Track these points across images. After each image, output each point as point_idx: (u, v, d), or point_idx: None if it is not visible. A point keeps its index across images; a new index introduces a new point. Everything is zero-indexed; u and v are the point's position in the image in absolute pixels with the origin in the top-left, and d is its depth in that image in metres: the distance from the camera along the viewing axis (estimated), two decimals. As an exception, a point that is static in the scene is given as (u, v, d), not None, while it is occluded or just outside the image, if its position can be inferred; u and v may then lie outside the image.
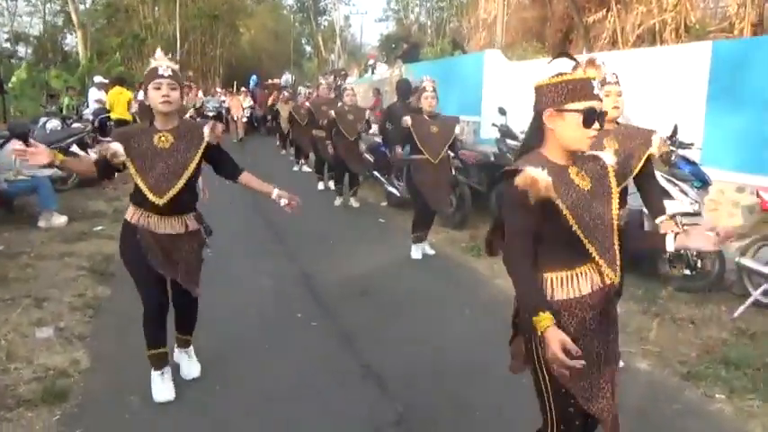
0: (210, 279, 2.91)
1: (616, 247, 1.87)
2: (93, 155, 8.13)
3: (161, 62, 2.76)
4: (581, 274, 1.85)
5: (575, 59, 1.83)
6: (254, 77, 22.52)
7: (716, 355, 3.58)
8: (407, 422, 2.84)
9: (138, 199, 2.83)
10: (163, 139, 2.80)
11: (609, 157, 1.97)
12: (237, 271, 5.05)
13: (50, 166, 2.62)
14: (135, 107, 10.59)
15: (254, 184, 3.06)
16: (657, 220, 3.04)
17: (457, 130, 5.49)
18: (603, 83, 3.04)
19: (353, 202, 8.18)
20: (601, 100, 1.79)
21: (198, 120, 9.05)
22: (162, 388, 2.98)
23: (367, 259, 5.54)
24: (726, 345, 3.74)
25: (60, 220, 6.53)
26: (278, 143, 14.90)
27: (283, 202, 3.06)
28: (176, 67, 2.82)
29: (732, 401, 3.10)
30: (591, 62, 1.82)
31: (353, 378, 3.28)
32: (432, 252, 5.75)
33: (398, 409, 2.94)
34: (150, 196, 2.75)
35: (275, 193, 3.04)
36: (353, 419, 2.86)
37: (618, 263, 1.86)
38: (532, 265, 1.81)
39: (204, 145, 2.85)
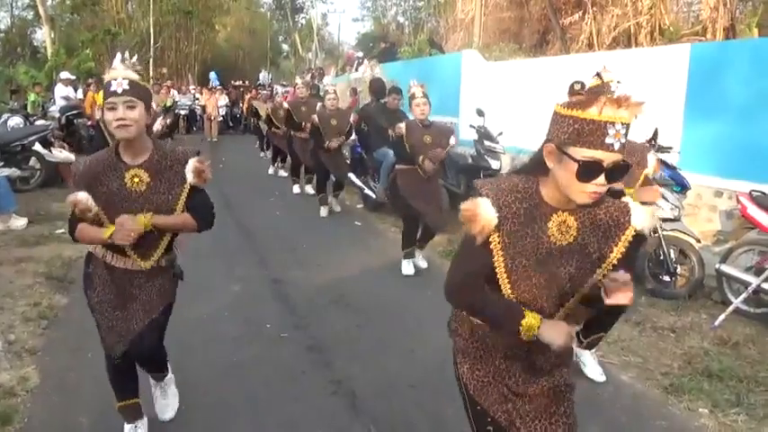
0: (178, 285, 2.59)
1: (561, 309, 1.62)
2: (57, 153, 7.88)
3: (115, 74, 2.19)
4: None
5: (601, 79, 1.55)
6: (213, 74, 21.42)
7: (698, 366, 3.49)
8: (379, 442, 2.68)
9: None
10: (137, 180, 2.26)
11: (642, 218, 1.57)
12: (205, 276, 4.81)
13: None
14: (99, 113, 10.18)
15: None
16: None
17: (452, 141, 5.04)
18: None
19: (335, 206, 7.74)
20: (618, 152, 1.42)
21: (168, 123, 8.55)
22: None
23: (341, 265, 5.36)
24: (708, 355, 3.65)
25: (19, 222, 6.22)
26: (257, 145, 14.00)
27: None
28: (136, 77, 2.22)
29: (716, 416, 3.00)
30: (615, 101, 1.41)
31: (323, 393, 3.10)
32: (424, 265, 5.26)
33: (371, 429, 2.78)
34: (135, 260, 2.31)
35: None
36: (322, 440, 2.69)
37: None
38: (484, 290, 1.63)
39: (188, 189, 2.33)
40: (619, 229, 1.58)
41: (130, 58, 2.36)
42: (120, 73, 2.20)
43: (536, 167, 1.58)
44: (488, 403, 1.72)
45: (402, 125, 4.98)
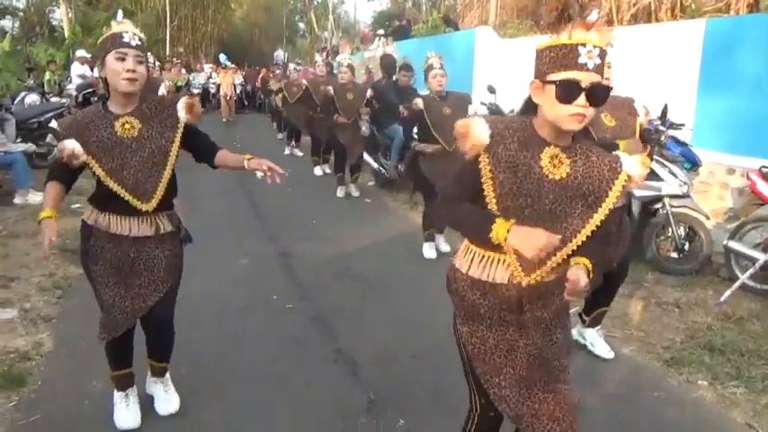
0: (185, 257, 2.59)
1: (552, 259, 1.62)
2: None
3: (126, 27, 2.19)
4: (499, 260, 1.68)
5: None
6: (222, 56, 21.15)
7: (700, 341, 3.50)
8: (378, 408, 2.74)
9: (102, 201, 2.30)
10: (127, 126, 2.24)
11: (632, 165, 1.63)
12: (214, 250, 4.89)
13: None
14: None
15: (228, 162, 2.47)
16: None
17: (470, 110, 4.84)
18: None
19: (354, 191, 7.45)
20: (590, 70, 1.49)
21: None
22: (125, 415, 2.52)
23: (349, 240, 5.41)
24: (711, 330, 3.66)
25: (36, 197, 6.35)
26: (273, 126, 13.75)
27: (259, 175, 2.46)
28: (143, 36, 2.27)
29: (714, 388, 3.02)
30: (583, 24, 1.52)
31: (325, 362, 3.17)
32: (447, 248, 5.03)
33: (370, 395, 2.84)
34: (135, 203, 2.25)
35: (246, 165, 2.42)
36: (323, 405, 2.76)
37: (540, 273, 1.64)
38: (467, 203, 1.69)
39: (182, 127, 2.32)
40: (612, 173, 1.63)
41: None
42: (130, 27, 2.22)
43: (527, 109, 1.67)
44: (486, 368, 1.72)
45: (419, 100, 4.78)
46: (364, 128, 7.05)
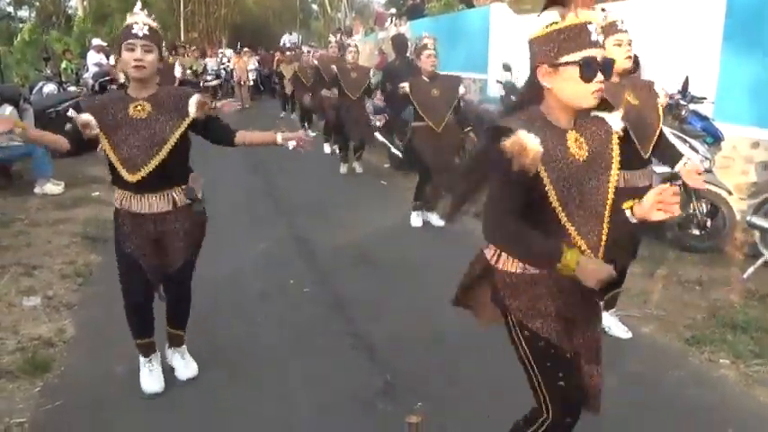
0: (204, 242, 2.74)
1: (604, 228, 1.68)
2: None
3: (137, 18, 2.43)
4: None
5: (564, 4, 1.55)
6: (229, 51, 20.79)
7: (722, 319, 3.44)
8: (395, 391, 2.74)
9: (115, 178, 2.56)
10: (139, 108, 2.48)
11: (616, 121, 1.74)
12: (232, 235, 4.93)
13: (10, 133, 2.39)
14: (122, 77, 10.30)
15: (255, 138, 2.72)
16: (677, 168, 2.88)
17: (461, 90, 5.03)
18: (613, 30, 2.83)
19: (357, 168, 7.74)
20: (602, 47, 1.56)
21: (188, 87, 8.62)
22: (150, 379, 2.75)
23: (366, 224, 5.41)
24: (733, 307, 3.60)
25: (56, 187, 6.44)
26: (282, 112, 13.75)
27: (291, 144, 2.70)
28: (155, 25, 2.48)
29: (737, 367, 2.98)
30: (584, 3, 1.59)
31: (342, 346, 3.18)
32: (441, 224, 5.16)
33: (387, 378, 2.85)
34: (122, 172, 2.47)
35: (280, 137, 2.68)
36: (340, 388, 2.77)
37: (600, 248, 1.68)
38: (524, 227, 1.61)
39: (189, 121, 2.52)
40: (608, 136, 1.71)
41: (143, 12, 2.51)
42: (141, 18, 2.44)
43: (530, 97, 1.67)
44: (568, 349, 1.71)
45: (405, 84, 4.95)
46: (370, 105, 7.32)
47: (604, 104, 1.73)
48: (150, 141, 2.47)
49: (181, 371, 2.85)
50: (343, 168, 7.73)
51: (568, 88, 1.56)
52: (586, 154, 1.65)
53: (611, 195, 1.68)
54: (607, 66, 1.57)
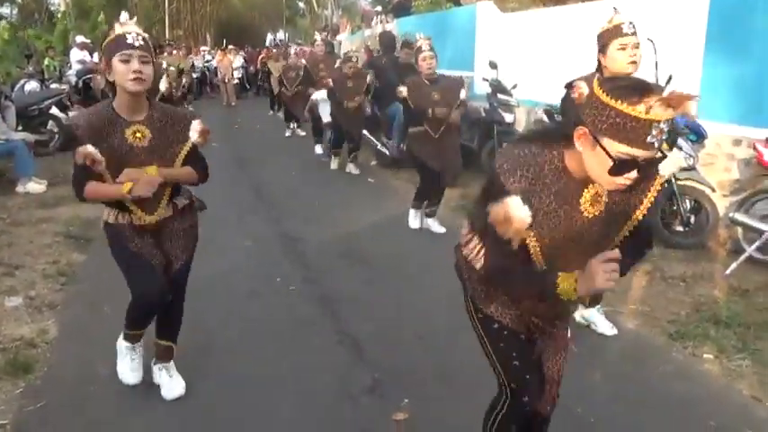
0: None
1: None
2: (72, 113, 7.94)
3: (129, 28, 2.22)
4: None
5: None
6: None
7: (706, 314, 3.48)
8: (382, 388, 2.74)
9: (115, 203, 2.39)
10: (138, 134, 2.30)
11: (669, 163, 1.62)
12: (219, 233, 4.88)
13: None
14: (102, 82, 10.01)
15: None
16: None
17: (462, 94, 4.76)
18: (617, 33, 2.80)
19: (353, 169, 7.51)
20: (653, 149, 1.32)
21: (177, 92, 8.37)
22: (131, 367, 2.69)
23: (352, 221, 5.40)
24: (717, 303, 3.64)
25: (38, 186, 6.35)
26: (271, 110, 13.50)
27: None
28: (147, 36, 2.30)
29: (720, 361, 3.01)
30: (668, 100, 1.28)
31: (330, 344, 3.17)
32: (442, 230, 5.02)
33: (374, 375, 2.84)
34: (139, 214, 2.36)
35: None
36: (328, 386, 2.76)
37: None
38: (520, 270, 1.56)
39: (189, 147, 2.40)
40: (647, 183, 1.53)
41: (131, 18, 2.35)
42: (134, 28, 2.24)
43: (554, 138, 1.50)
44: (520, 338, 1.74)
45: (403, 89, 4.73)
46: (368, 110, 7.11)
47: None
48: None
49: (166, 390, 2.67)
50: (334, 164, 7.68)
51: (594, 167, 1.40)
52: (602, 208, 1.52)
53: (618, 239, 1.58)
54: (650, 165, 1.37)
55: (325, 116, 7.97)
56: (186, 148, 2.41)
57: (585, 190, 1.50)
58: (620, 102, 1.31)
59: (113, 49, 2.21)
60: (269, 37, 20.67)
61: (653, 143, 1.31)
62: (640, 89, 1.31)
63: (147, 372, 2.75)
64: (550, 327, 1.77)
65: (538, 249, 1.53)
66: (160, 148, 2.35)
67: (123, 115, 2.31)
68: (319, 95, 8.12)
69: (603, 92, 1.34)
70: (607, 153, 1.35)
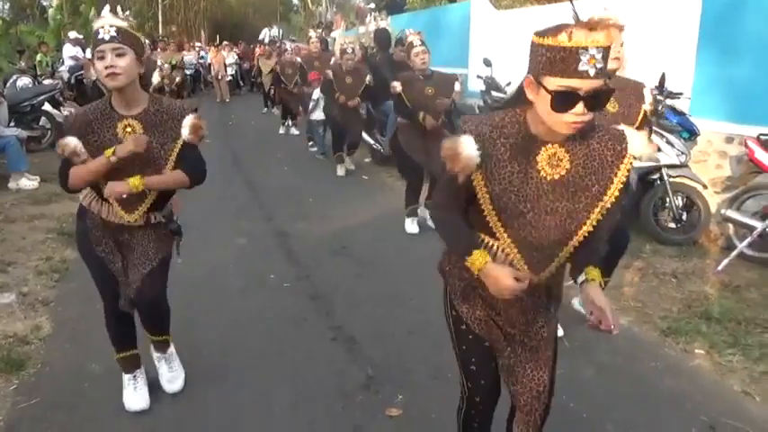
0: (184, 237, 2.58)
1: (562, 252, 1.58)
2: (66, 112, 7.90)
3: (102, 22, 2.14)
4: (498, 248, 1.60)
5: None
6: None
7: (697, 310, 3.51)
8: (377, 384, 2.75)
9: (96, 190, 2.31)
10: (129, 130, 2.23)
11: (638, 143, 1.53)
12: (211, 229, 4.89)
13: None
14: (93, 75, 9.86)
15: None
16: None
17: (457, 88, 4.76)
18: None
19: (349, 164, 7.43)
20: (591, 77, 1.35)
21: (170, 87, 8.27)
22: (134, 396, 2.55)
23: (346, 218, 5.40)
24: (708, 299, 3.67)
25: (30, 182, 6.32)
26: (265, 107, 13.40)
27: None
28: (124, 24, 2.17)
29: (711, 356, 3.04)
30: (586, 24, 1.35)
31: (324, 340, 3.18)
32: (416, 230, 5.01)
33: (368, 372, 2.85)
34: (120, 212, 2.29)
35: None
36: (322, 383, 2.77)
37: (546, 270, 1.61)
38: (461, 215, 1.64)
39: (180, 144, 2.29)
40: (616, 158, 1.52)
41: (113, 13, 2.26)
42: (107, 21, 2.15)
43: (519, 100, 1.52)
44: (492, 337, 1.73)
45: (397, 84, 4.71)
46: (363, 111, 6.89)
47: None
48: (144, 173, 2.24)
49: (165, 383, 2.65)
50: (341, 170, 7.31)
51: (543, 110, 1.43)
52: (563, 173, 1.51)
53: (590, 223, 1.54)
54: (597, 98, 1.38)
55: (318, 114, 7.91)
56: (178, 145, 2.29)
57: (543, 148, 1.51)
58: (545, 38, 1.38)
59: (92, 47, 2.18)
60: (264, 31, 20.44)
61: (586, 71, 1.34)
62: (563, 24, 1.38)
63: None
64: (525, 336, 1.72)
65: (487, 198, 1.54)
66: (152, 148, 2.23)
67: (118, 110, 2.25)
68: (315, 94, 8.05)
69: (536, 35, 1.42)
70: (548, 91, 1.38)
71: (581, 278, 1.60)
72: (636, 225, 4.70)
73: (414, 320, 3.36)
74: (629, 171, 1.53)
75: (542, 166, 1.52)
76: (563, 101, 1.38)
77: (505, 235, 1.57)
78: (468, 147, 1.48)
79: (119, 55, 2.12)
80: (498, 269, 1.54)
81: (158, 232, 2.44)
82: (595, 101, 1.39)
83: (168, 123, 2.28)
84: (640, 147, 1.53)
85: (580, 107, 1.38)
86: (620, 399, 2.66)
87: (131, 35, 2.18)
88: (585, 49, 1.33)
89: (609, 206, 1.54)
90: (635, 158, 1.54)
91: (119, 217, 2.32)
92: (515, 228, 1.56)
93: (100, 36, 2.12)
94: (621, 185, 1.53)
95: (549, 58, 1.37)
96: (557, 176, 1.52)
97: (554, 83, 1.38)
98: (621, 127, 1.59)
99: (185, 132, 2.28)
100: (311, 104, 8.16)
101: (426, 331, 3.23)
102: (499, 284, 1.53)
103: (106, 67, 2.11)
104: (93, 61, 2.19)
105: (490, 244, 1.61)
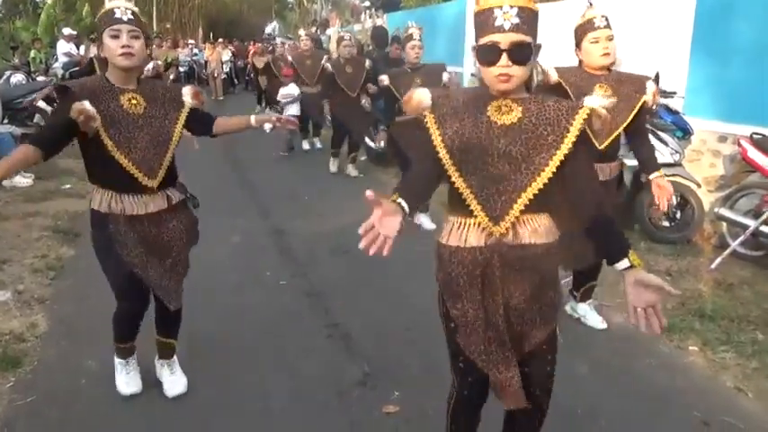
0: None
1: (518, 201, 1.61)
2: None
3: (118, 3, 2.18)
4: (472, 224, 1.68)
5: None
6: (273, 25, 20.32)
7: (691, 307, 3.54)
8: (373, 382, 2.76)
9: (107, 179, 2.29)
10: (134, 102, 2.25)
11: (595, 98, 1.62)
12: (207, 227, 4.82)
13: None
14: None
15: (231, 125, 2.60)
16: (651, 176, 2.95)
17: (444, 77, 4.84)
18: (590, 27, 2.85)
19: (352, 171, 7.14)
20: (507, 31, 1.51)
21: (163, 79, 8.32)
22: (126, 380, 2.63)
23: (341, 215, 5.38)
24: (702, 297, 3.70)
25: (25, 180, 6.30)
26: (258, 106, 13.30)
27: (268, 126, 2.63)
28: (137, 10, 2.25)
29: (705, 354, 3.07)
30: None
31: (320, 337, 3.19)
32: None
33: (364, 369, 2.87)
34: (141, 178, 2.26)
35: (253, 120, 2.59)
36: (318, 380, 2.78)
37: (505, 221, 1.63)
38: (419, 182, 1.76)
39: (186, 111, 2.40)
40: (572, 110, 1.62)
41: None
42: (122, 2, 2.21)
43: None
44: (471, 340, 1.73)
45: (384, 77, 4.79)
46: (365, 102, 6.63)
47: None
48: (156, 140, 2.29)
49: (169, 387, 2.65)
50: (333, 166, 7.26)
51: (482, 70, 1.61)
52: (514, 120, 1.61)
53: (549, 170, 1.59)
54: (518, 51, 1.52)
55: (294, 109, 7.84)
56: (184, 112, 2.41)
57: (495, 101, 1.65)
58: (475, 8, 1.60)
59: (103, 24, 2.18)
60: (270, 25, 20.22)
61: (502, 25, 1.53)
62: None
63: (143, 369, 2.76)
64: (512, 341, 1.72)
65: (440, 140, 1.66)
66: (155, 117, 2.31)
67: (116, 83, 2.27)
68: (293, 90, 7.99)
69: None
70: (473, 48, 1.60)
71: (622, 265, 1.57)
72: (628, 223, 4.73)
73: (410, 317, 3.37)
74: (584, 122, 1.60)
75: (492, 113, 1.64)
76: (486, 54, 1.56)
77: (461, 180, 1.65)
78: (421, 94, 1.71)
79: (134, 37, 2.19)
80: (390, 210, 1.65)
81: (184, 220, 2.51)
82: (518, 54, 1.54)
83: (167, 96, 2.39)
84: (597, 100, 1.62)
85: (504, 59, 1.54)
86: (614, 395, 2.69)
87: (142, 21, 2.27)
88: (500, 7, 1.54)
89: (573, 160, 1.59)
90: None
91: (143, 204, 2.33)
92: (470, 171, 1.65)
93: (117, 16, 2.16)
94: (578, 134, 1.59)
95: (477, 22, 1.59)
96: (507, 122, 1.63)
97: (482, 41, 1.57)
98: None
99: (187, 99, 2.43)
100: (288, 99, 8.13)
101: (423, 328, 3.23)
102: (385, 224, 1.63)
103: (122, 47, 2.16)
104: (102, 39, 2.19)
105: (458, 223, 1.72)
